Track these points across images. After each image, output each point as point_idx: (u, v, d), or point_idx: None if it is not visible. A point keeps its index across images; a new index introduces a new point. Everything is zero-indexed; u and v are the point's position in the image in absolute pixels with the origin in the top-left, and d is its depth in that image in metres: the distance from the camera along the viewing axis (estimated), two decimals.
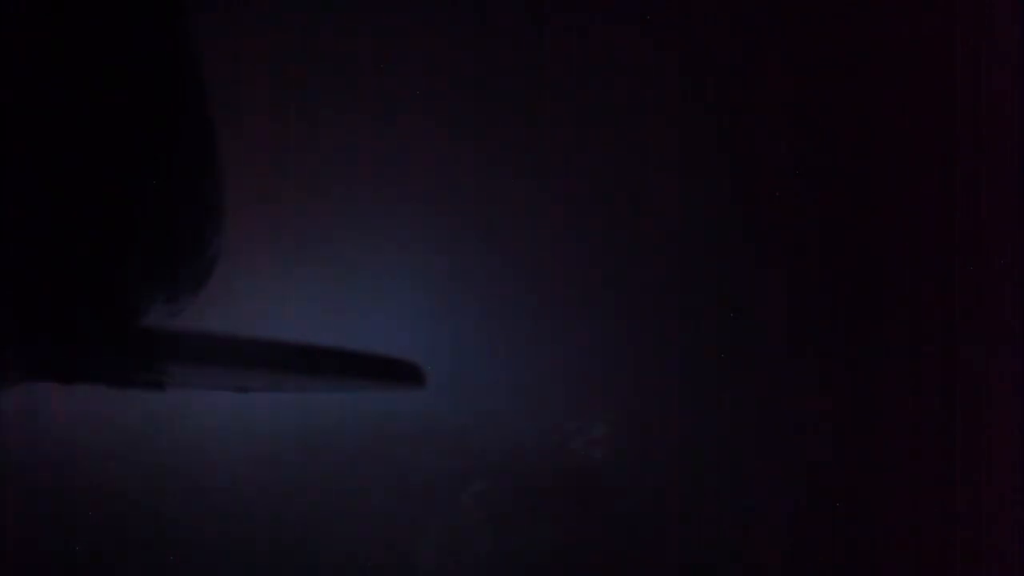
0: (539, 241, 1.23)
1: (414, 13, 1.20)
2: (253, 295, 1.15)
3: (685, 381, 1.23)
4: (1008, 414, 1.24)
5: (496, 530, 1.21)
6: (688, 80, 1.24)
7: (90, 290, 0.85)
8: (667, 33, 1.24)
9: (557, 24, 1.22)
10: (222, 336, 0.93)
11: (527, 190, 1.22)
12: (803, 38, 1.25)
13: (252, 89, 1.15)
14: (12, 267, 0.82)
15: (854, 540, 1.24)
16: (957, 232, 1.25)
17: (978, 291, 1.24)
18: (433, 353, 1.18)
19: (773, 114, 1.24)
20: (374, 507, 1.20)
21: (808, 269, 1.25)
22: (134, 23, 0.86)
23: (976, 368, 1.24)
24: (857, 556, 1.24)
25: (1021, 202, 1.24)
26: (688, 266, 1.24)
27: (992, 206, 1.24)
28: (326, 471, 1.19)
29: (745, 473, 1.23)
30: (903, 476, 1.24)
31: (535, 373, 1.23)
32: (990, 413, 1.24)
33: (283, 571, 1.19)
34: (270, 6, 1.18)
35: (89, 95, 0.83)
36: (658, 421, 1.23)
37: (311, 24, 1.18)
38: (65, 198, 0.83)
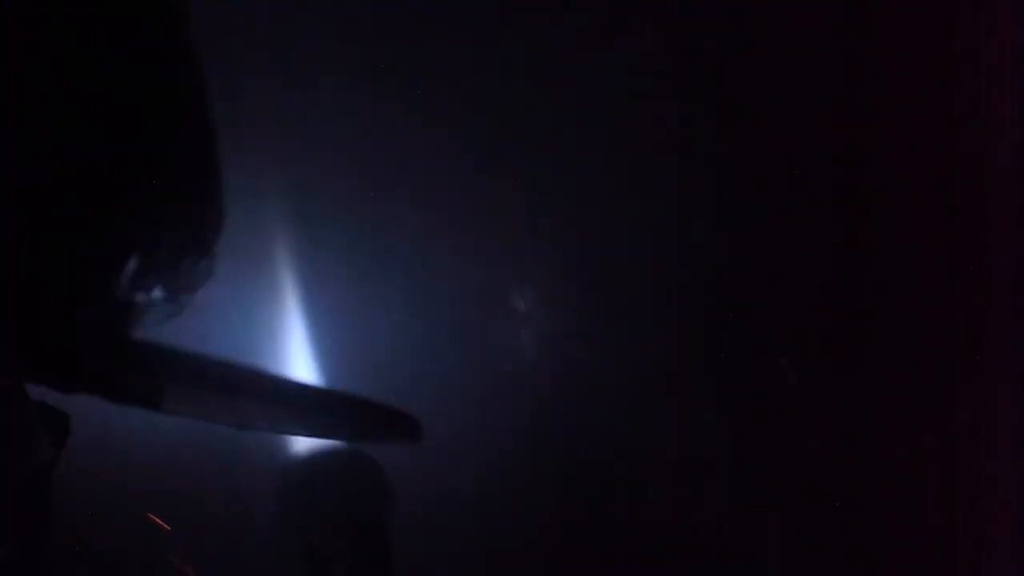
0: (538, 243, 1.23)
1: (413, 16, 1.20)
2: (253, 294, 1.15)
3: (685, 380, 1.24)
4: (1008, 414, 1.24)
5: (492, 527, 1.22)
6: (686, 80, 1.24)
7: (90, 290, 0.85)
8: (666, 35, 1.24)
9: (557, 27, 1.23)
10: (223, 362, 0.92)
11: (527, 191, 1.23)
12: (803, 38, 1.25)
13: (252, 89, 1.15)
14: (12, 268, 0.82)
15: (854, 540, 1.25)
16: (957, 232, 1.25)
17: (978, 291, 1.25)
18: (431, 354, 1.18)
19: (771, 114, 1.25)
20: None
21: (807, 269, 1.26)
22: (134, 25, 0.86)
23: (976, 367, 1.25)
24: (857, 555, 1.25)
25: (1021, 202, 1.24)
26: (688, 267, 1.24)
27: (992, 206, 1.25)
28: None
29: (745, 473, 1.23)
30: (903, 475, 1.25)
31: (533, 372, 1.23)
32: (990, 412, 1.24)
33: (282, 570, 1.19)
34: (270, 7, 1.18)
35: (88, 97, 0.83)
36: (658, 420, 1.24)
37: (311, 26, 1.18)
38: (65, 199, 0.83)
